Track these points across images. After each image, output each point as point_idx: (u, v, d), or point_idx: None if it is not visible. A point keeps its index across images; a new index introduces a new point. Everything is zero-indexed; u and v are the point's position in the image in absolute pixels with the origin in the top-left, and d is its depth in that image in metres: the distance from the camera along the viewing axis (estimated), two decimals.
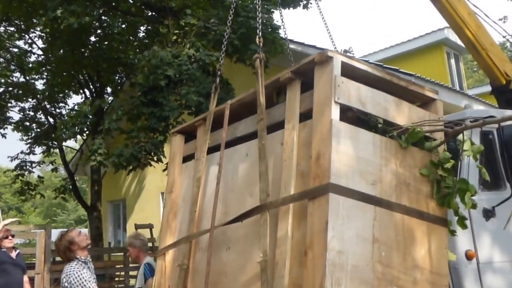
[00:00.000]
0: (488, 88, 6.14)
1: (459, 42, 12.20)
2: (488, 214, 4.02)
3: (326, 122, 2.63)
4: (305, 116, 2.97)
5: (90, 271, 4.17)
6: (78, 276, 3.94)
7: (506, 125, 4.04)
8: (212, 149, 4.07)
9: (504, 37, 6.72)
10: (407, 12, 58.92)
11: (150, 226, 9.84)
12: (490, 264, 4.04)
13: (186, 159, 4.64)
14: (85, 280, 3.94)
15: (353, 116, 2.78)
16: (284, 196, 2.86)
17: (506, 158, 4.21)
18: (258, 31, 3.52)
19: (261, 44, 3.46)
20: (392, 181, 2.85)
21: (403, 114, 2.94)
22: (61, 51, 10.83)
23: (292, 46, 9.41)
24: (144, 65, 8.02)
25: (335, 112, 2.64)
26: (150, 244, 9.58)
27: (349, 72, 2.78)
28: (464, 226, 2.91)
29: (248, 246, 3.23)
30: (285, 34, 4.95)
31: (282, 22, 4.67)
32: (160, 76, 7.79)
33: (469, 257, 4.16)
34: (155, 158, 8.64)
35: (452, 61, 13.24)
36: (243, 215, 3.17)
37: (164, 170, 9.95)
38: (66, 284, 3.95)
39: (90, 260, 4.36)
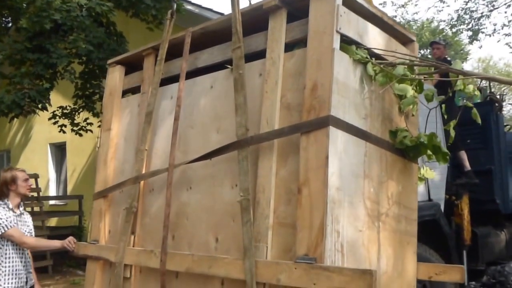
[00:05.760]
0: None
1: None
2: None
3: (327, 51, 2.42)
4: (288, 46, 2.75)
5: (18, 221, 3.75)
6: None
7: None
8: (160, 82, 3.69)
9: None
10: None
11: (35, 176, 9.34)
12: None
13: (125, 93, 4.20)
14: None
15: None
16: (266, 130, 2.65)
17: None
18: None
19: None
20: (379, 116, 2.78)
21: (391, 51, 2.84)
22: None
23: (189, 7, 9.47)
24: (30, 9, 7.39)
25: (336, 41, 2.45)
26: (35, 194, 9.10)
27: (347, 4, 2.58)
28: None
29: (217, 186, 3.00)
30: None
31: None
32: (46, 20, 7.21)
33: None
34: (39, 106, 8.07)
35: None
36: (216, 151, 2.90)
37: (49, 119, 9.30)
38: None
39: (23, 213, 3.92)
